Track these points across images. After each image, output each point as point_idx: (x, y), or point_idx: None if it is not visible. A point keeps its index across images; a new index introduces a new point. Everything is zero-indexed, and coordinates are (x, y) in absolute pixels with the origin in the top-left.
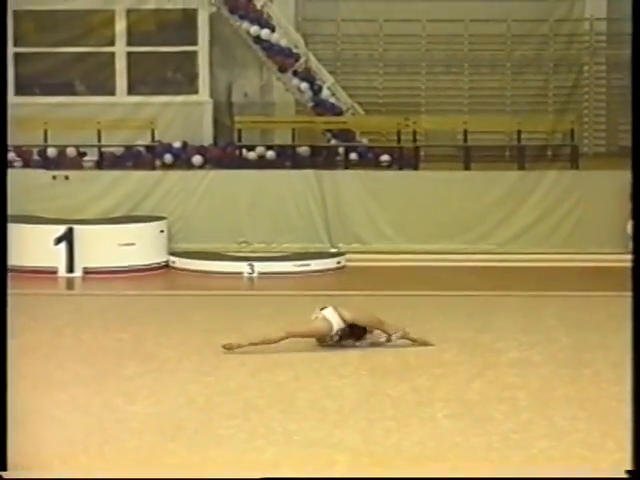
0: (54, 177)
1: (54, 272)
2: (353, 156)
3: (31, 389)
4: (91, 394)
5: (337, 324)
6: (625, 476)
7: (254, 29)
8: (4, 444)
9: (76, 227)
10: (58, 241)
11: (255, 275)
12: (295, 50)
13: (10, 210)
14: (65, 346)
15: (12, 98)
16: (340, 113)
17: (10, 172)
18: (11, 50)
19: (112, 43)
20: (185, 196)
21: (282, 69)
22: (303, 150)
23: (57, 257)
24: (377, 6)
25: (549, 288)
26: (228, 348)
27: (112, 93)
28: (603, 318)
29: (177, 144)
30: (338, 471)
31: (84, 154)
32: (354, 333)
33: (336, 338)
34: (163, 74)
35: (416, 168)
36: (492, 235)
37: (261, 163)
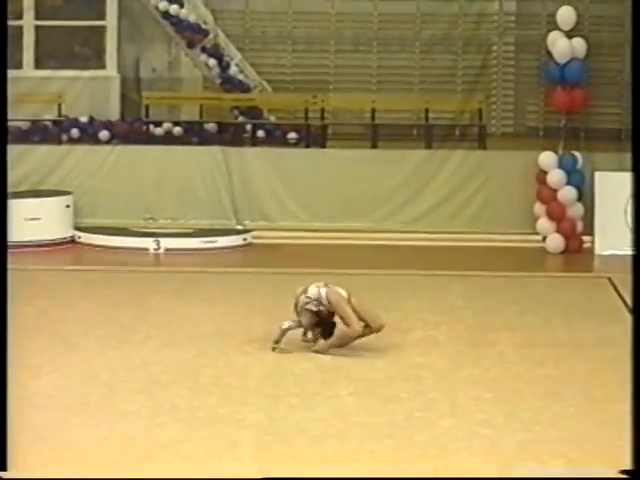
0: None
1: None
2: (260, 133)
3: None
4: None
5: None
6: (621, 475)
7: (163, 4)
8: (4, 444)
9: None
10: None
11: (161, 251)
12: (204, 26)
13: None
14: None
15: None
16: (248, 90)
17: None
18: None
19: (20, 16)
20: (91, 171)
21: (190, 45)
22: (210, 127)
23: None
24: None
25: (455, 268)
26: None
27: (19, 67)
28: (508, 299)
29: (84, 119)
30: (242, 448)
31: None
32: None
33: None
34: (71, 48)
35: (323, 146)
36: (399, 214)
37: (168, 139)
